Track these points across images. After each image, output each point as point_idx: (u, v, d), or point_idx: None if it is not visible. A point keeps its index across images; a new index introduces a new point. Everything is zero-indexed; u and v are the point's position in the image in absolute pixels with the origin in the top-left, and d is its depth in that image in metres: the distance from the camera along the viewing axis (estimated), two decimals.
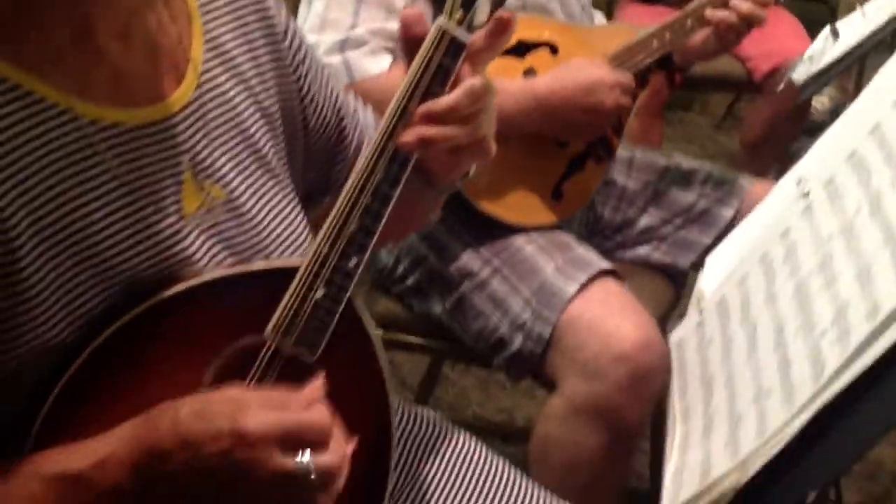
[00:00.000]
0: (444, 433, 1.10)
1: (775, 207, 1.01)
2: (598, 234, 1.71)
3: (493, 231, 1.54)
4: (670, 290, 1.67)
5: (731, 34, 1.56)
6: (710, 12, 1.54)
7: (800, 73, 1.49)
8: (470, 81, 0.85)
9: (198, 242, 0.86)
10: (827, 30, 1.38)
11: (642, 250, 1.69)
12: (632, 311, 1.43)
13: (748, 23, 1.54)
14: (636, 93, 1.58)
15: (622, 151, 1.71)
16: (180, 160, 0.86)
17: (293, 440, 0.76)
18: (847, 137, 0.96)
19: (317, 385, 0.80)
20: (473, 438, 1.11)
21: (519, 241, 1.53)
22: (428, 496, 1.04)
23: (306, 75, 0.99)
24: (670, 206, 1.70)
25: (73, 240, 0.80)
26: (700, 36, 1.60)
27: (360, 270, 0.84)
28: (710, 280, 1.01)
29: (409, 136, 0.84)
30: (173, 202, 0.85)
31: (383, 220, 0.84)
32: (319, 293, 0.83)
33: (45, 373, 0.80)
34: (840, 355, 0.68)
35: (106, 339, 0.80)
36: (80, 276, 0.80)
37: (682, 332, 1.01)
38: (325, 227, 0.84)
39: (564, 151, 1.58)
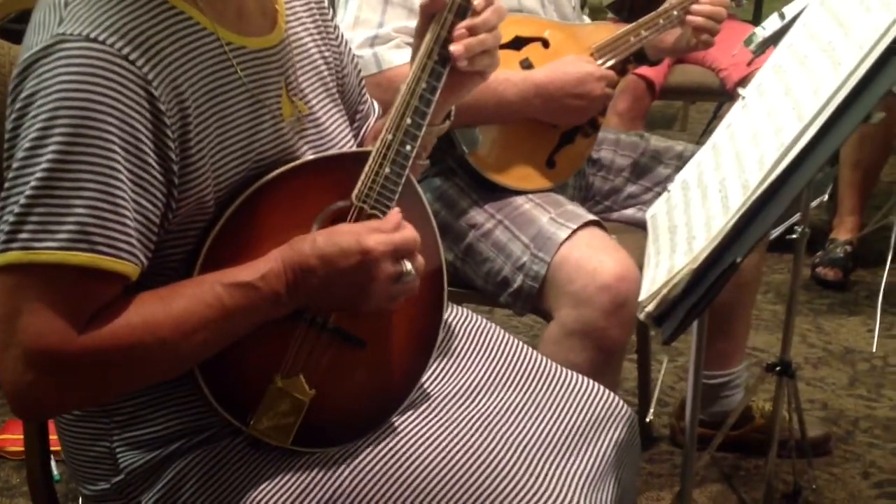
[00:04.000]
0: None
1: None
2: (589, 200, 2.00)
3: (496, 193, 1.84)
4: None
5: (705, 32, 1.87)
6: (689, 17, 1.86)
7: (750, 42, 1.81)
8: (498, 3, 1.18)
9: (294, 139, 1.18)
10: (775, 14, 1.70)
11: (627, 212, 1.99)
12: (613, 250, 1.72)
13: (715, 20, 1.86)
14: (616, 81, 1.89)
15: (610, 134, 2.02)
16: (279, 79, 1.17)
17: (400, 252, 1.10)
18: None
19: (395, 212, 1.13)
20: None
21: (518, 199, 1.83)
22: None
23: (343, 47, 1.33)
24: (651, 178, 2.00)
25: (217, 125, 1.10)
26: (671, 34, 1.91)
27: (413, 154, 1.16)
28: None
29: (459, 46, 1.16)
30: (276, 108, 1.16)
31: (428, 117, 1.16)
32: (387, 169, 1.15)
33: (195, 231, 1.11)
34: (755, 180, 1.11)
35: (240, 204, 1.11)
36: (220, 154, 1.11)
37: (654, 209, 1.40)
38: (387, 122, 1.15)
39: (556, 128, 1.88)
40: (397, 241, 1.11)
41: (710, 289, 1.10)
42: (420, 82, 1.16)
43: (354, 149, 1.27)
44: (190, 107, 1.07)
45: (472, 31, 1.17)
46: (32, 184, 1.00)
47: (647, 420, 2.24)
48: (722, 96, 3.03)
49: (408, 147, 1.15)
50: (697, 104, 4.07)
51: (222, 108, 1.11)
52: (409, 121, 1.15)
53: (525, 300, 1.76)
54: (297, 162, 1.16)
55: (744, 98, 1.37)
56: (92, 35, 1.02)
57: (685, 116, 4.03)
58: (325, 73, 1.28)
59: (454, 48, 1.17)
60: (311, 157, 1.18)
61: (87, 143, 1.00)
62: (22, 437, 2.18)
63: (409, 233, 1.13)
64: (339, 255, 1.09)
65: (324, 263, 1.08)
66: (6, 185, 1.03)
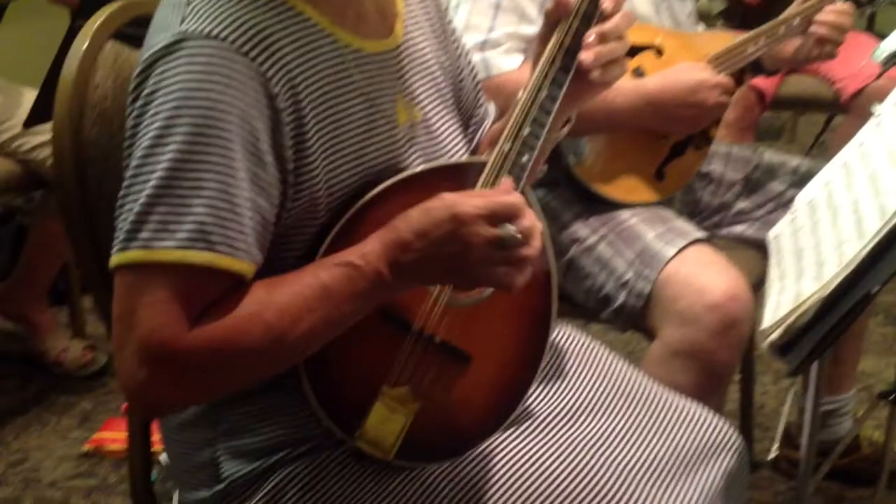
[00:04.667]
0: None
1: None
2: (696, 215, 1.93)
3: (601, 206, 1.78)
4: (761, 262, 1.88)
5: (828, 43, 1.79)
6: (813, 27, 1.78)
7: (879, 55, 1.72)
8: (626, 8, 1.13)
9: (406, 146, 1.15)
10: None
11: (737, 229, 1.92)
12: (724, 267, 1.65)
13: (840, 30, 1.77)
14: (733, 92, 1.82)
15: (722, 147, 1.95)
16: (395, 84, 1.15)
17: (497, 215, 1.02)
18: None
19: (507, 182, 1.08)
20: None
21: (624, 214, 1.77)
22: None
23: (460, 51, 1.29)
24: (763, 193, 1.92)
25: (332, 128, 1.08)
26: (791, 44, 1.83)
27: (530, 165, 1.11)
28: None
29: (589, 54, 1.12)
30: (391, 114, 1.14)
31: (548, 126, 1.11)
32: (503, 181, 1.10)
33: (305, 236, 1.09)
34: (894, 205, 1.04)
35: (352, 215, 1.09)
36: (334, 157, 1.08)
37: (777, 230, 1.33)
38: (505, 131, 1.11)
39: (666, 139, 1.82)
40: (493, 205, 1.03)
41: (843, 320, 1.03)
42: (541, 91, 1.12)
43: (471, 159, 1.23)
44: (306, 107, 1.06)
45: (601, 39, 1.12)
46: (153, 182, 1.00)
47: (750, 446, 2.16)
48: (834, 108, 2.92)
49: (525, 157, 1.10)
50: (807, 115, 3.94)
51: (337, 111, 1.09)
52: (527, 130, 1.11)
53: (627, 318, 1.71)
54: (411, 171, 1.13)
55: (878, 115, 1.28)
56: (213, 32, 1.01)
57: (794, 128, 3.90)
58: (441, 79, 1.25)
59: (584, 56, 1.12)
60: (426, 166, 1.15)
61: (208, 143, 1.00)
62: (120, 436, 2.26)
63: (508, 196, 1.05)
64: (432, 226, 1.03)
65: (418, 237, 1.03)
66: (125, 182, 1.03)
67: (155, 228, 0.99)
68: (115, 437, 2.28)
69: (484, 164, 1.11)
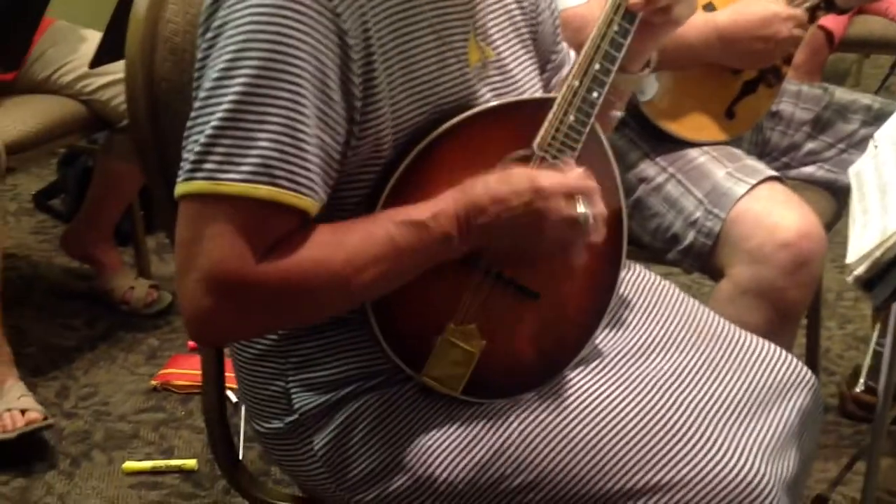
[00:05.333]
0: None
1: None
2: (765, 156, 1.90)
3: (669, 145, 1.76)
4: (833, 203, 1.85)
5: None
6: None
7: None
8: None
9: (478, 85, 1.13)
10: None
11: (807, 170, 1.88)
12: (796, 205, 1.62)
13: None
14: (806, 27, 1.77)
15: (791, 85, 1.90)
16: (468, 23, 1.13)
17: (577, 194, 1.05)
18: None
19: (571, 163, 1.09)
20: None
21: (693, 152, 1.74)
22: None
23: None
24: (834, 133, 1.88)
25: (401, 65, 1.07)
26: None
27: (600, 101, 1.09)
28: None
29: None
30: (462, 52, 1.12)
31: (618, 62, 1.08)
32: (571, 117, 1.09)
33: (370, 174, 1.09)
34: None
35: (420, 151, 1.08)
36: (402, 95, 1.08)
37: (859, 165, 1.30)
38: (574, 68, 1.09)
39: (738, 76, 1.78)
40: (572, 183, 1.06)
41: None
42: (612, 25, 1.09)
43: (539, 95, 1.21)
44: (375, 44, 1.05)
45: None
46: (219, 115, 1.00)
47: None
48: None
49: (594, 94, 1.09)
50: (872, 58, 3.84)
51: (407, 48, 1.08)
52: (597, 66, 1.09)
53: (695, 257, 1.69)
54: (479, 108, 1.11)
55: None
56: None
57: (859, 70, 3.82)
58: (519, 18, 1.23)
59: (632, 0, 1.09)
60: (494, 103, 1.13)
61: (275, 77, 0.99)
62: (186, 372, 2.30)
63: (588, 180, 1.07)
64: (510, 194, 1.04)
65: (495, 203, 1.04)
66: (193, 113, 1.03)
67: (220, 160, 1.00)
68: (181, 373, 2.32)
69: (553, 101, 1.10)
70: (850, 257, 1.10)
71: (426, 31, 1.09)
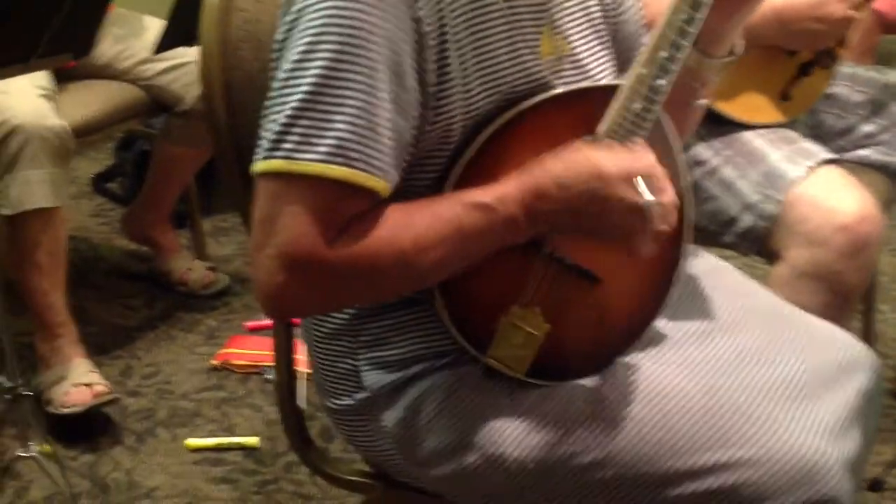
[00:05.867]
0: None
1: None
2: (820, 138, 1.90)
3: (724, 127, 1.77)
4: (889, 186, 1.86)
5: None
6: None
7: None
8: None
9: (549, 77, 1.15)
10: None
11: (862, 152, 1.89)
12: (853, 188, 1.63)
13: None
14: (860, 8, 1.77)
15: (845, 67, 1.91)
16: (542, 15, 1.15)
17: (639, 178, 1.05)
18: None
19: (639, 143, 1.09)
20: None
21: (748, 135, 1.75)
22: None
23: None
24: (889, 116, 1.88)
25: (473, 55, 1.10)
26: None
27: (667, 88, 1.09)
28: None
29: None
30: (535, 44, 1.14)
31: (685, 50, 1.09)
32: (638, 105, 1.09)
33: (440, 159, 1.11)
34: None
35: (487, 138, 1.10)
36: (473, 84, 1.10)
37: None
38: (642, 56, 1.10)
39: (793, 58, 1.78)
40: (636, 167, 1.06)
41: None
42: (679, 12, 1.09)
43: (605, 83, 1.22)
44: (449, 32, 1.07)
45: None
46: (298, 97, 1.03)
47: None
48: None
49: (661, 81, 1.09)
50: None
51: (480, 38, 1.10)
52: (664, 53, 1.09)
53: (752, 240, 1.70)
54: (545, 95, 1.13)
55: None
56: None
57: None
58: (597, 14, 1.24)
59: None
60: (560, 90, 1.14)
61: (353, 62, 1.03)
62: (245, 351, 2.35)
63: (656, 166, 1.08)
64: (574, 179, 1.06)
65: (559, 187, 1.06)
66: (271, 93, 1.07)
67: (298, 140, 1.03)
68: (240, 352, 2.37)
69: (619, 88, 1.11)
70: None
71: (499, 22, 1.11)
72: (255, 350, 2.36)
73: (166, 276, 2.66)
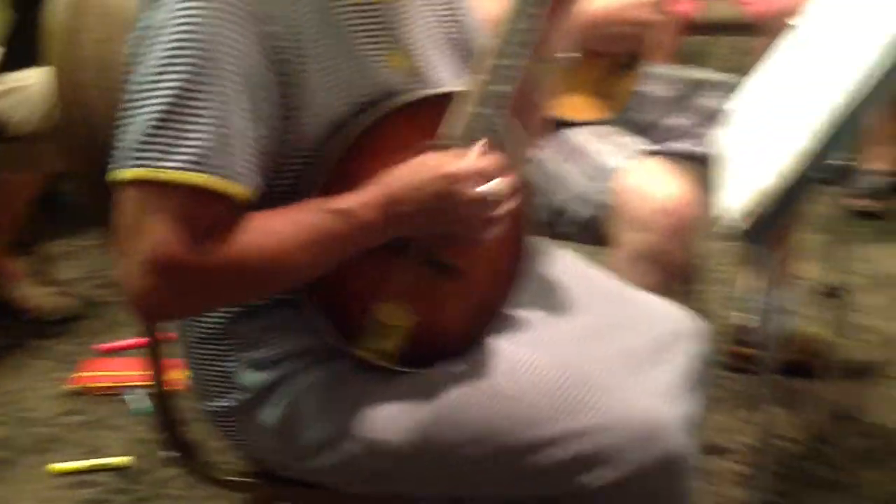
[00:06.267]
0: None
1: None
2: (641, 132, 2.05)
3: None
4: (701, 172, 2.03)
5: None
6: None
7: None
8: None
9: (400, 89, 1.23)
10: None
11: (673, 144, 2.06)
12: (671, 176, 1.80)
13: None
14: (663, 11, 1.94)
15: (653, 68, 2.09)
16: (387, 33, 1.24)
17: (482, 175, 1.17)
18: None
19: (478, 145, 1.19)
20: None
21: (573, 132, 1.90)
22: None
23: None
24: (696, 110, 2.07)
25: (327, 67, 1.18)
26: None
27: (507, 94, 1.20)
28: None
29: None
30: (383, 58, 1.23)
31: (523, 58, 1.19)
32: (479, 110, 1.20)
33: (296, 166, 1.19)
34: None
35: (343, 143, 1.18)
36: (328, 94, 1.18)
37: (720, 134, 1.49)
38: (482, 63, 1.20)
39: (605, 59, 1.94)
40: (479, 165, 1.17)
41: (788, 203, 1.19)
42: (516, 21, 1.19)
43: (446, 89, 1.28)
44: (304, 45, 1.15)
45: None
46: (158, 108, 1.10)
47: None
48: (748, 31, 3.07)
49: (501, 87, 1.19)
50: (723, 39, 4.08)
51: (326, 55, 1.18)
52: (501, 61, 1.19)
53: (588, 230, 1.84)
54: (390, 103, 1.21)
55: (797, 27, 1.47)
56: None
57: (709, 52, 4.05)
58: (439, 28, 1.33)
59: None
60: (404, 98, 1.22)
61: (209, 75, 1.10)
62: (100, 373, 2.34)
63: (488, 159, 1.18)
64: (422, 182, 1.16)
65: (411, 190, 1.16)
66: (127, 106, 1.13)
67: (160, 150, 1.09)
68: (96, 375, 2.36)
69: (460, 94, 1.20)
70: (724, 211, 1.25)
71: (344, 40, 1.20)
72: (111, 371, 2.36)
73: (13, 304, 2.61)
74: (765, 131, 1.36)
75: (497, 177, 1.18)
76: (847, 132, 1.23)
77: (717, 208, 1.42)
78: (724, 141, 1.47)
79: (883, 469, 2.07)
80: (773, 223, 1.21)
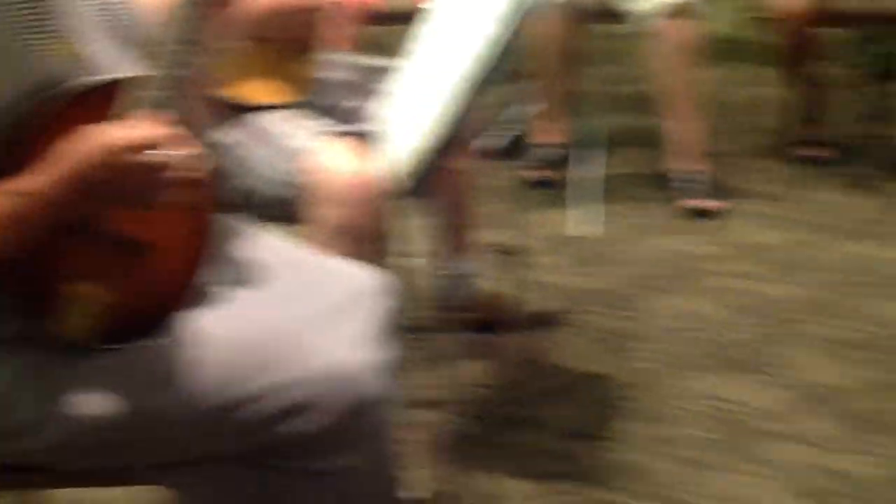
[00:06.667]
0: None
1: None
2: (325, 115, 2.18)
3: (235, 112, 1.99)
4: (378, 146, 2.19)
5: None
6: None
7: None
8: None
9: (66, 76, 1.26)
10: None
11: (354, 125, 2.19)
12: (355, 153, 1.94)
13: None
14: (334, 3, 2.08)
15: (330, 55, 2.22)
16: (55, 22, 1.27)
17: (146, 143, 1.20)
18: None
19: (146, 116, 1.24)
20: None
21: (256, 116, 2.00)
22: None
23: None
24: (372, 93, 2.22)
25: None
26: None
27: (182, 78, 1.26)
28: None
29: None
30: (46, 46, 1.26)
31: (193, 45, 1.27)
32: (150, 94, 1.24)
33: None
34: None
35: (17, 127, 1.21)
36: None
37: (382, 109, 1.70)
38: (154, 51, 1.26)
39: (281, 46, 2.04)
40: (139, 134, 1.19)
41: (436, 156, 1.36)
42: (186, 9, 1.25)
43: (114, 76, 1.30)
44: None
45: None
46: None
47: None
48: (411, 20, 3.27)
49: (171, 72, 1.24)
50: (399, 27, 4.29)
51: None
52: (172, 46, 1.25)
53: (276, 208, 1.94)
54: (62, 89, 1.23)
55: (430, 13, 1.72)
56: None
57: (388, 41, 4.25)
58: (103, 12, 1.36)
59: None
60: (72, 85, 1.25)
61: None
62: None
63: (152, 128, 1.20)
64: (84, 157, 1.18)
65: (72, 167, 1.17)
66: None
67: None
68: None
69: (132, 80, 1.25)
70: (394, 176, 1.41)
71: (12, 24, 1.23)
72: None
73: None
74: (416, 104, 1.51)
75: (165, 147, 1.20)
76: (472, 96, 1.42)
77: (391, 175, 1.55)
78: (389, 117, 1.62)
79: (568, 403, 2.33)
80: (428, 174, 1.36)
